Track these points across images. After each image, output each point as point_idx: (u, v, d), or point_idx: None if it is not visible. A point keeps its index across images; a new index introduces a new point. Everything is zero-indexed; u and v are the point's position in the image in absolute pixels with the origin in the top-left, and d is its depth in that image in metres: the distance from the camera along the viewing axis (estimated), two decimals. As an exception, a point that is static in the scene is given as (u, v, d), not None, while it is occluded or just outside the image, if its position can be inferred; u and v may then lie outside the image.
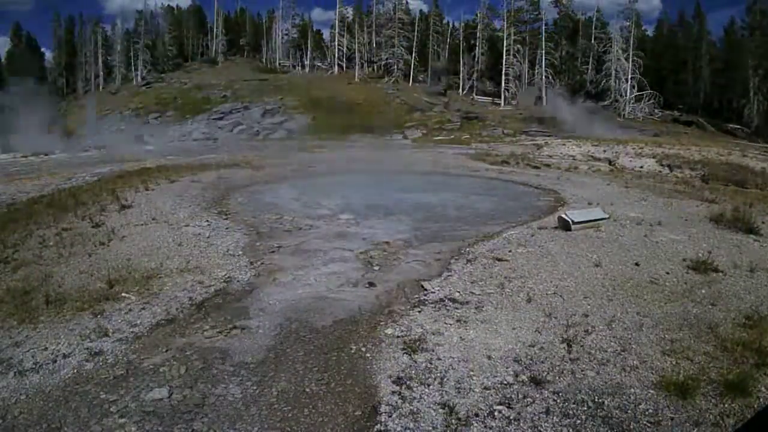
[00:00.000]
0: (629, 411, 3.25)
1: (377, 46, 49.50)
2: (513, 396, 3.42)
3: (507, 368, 3.75)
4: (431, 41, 48.60)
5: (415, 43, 47.31)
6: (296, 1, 53.54)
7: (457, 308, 4.81)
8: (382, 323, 4.51)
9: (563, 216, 7.75)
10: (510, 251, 6.53)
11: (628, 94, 38.80)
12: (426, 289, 5.31)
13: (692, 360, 3.83)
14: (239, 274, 5.87)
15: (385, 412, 3.25)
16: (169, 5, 56.54)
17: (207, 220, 8.32)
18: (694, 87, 42.37)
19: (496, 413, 3.24)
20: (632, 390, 3.46)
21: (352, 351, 4.06)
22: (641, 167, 17.38)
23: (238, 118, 35.43)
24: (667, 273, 5.75)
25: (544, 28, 44.16)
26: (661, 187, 12.87)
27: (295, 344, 4.17)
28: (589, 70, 43.73)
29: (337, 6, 50.23)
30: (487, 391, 3.47)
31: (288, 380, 3.65)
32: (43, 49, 55.52)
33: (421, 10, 51.69)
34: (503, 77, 41.75)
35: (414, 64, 46.38)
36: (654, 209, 9.26)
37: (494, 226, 7.98)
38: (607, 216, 8.01)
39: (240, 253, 6.66)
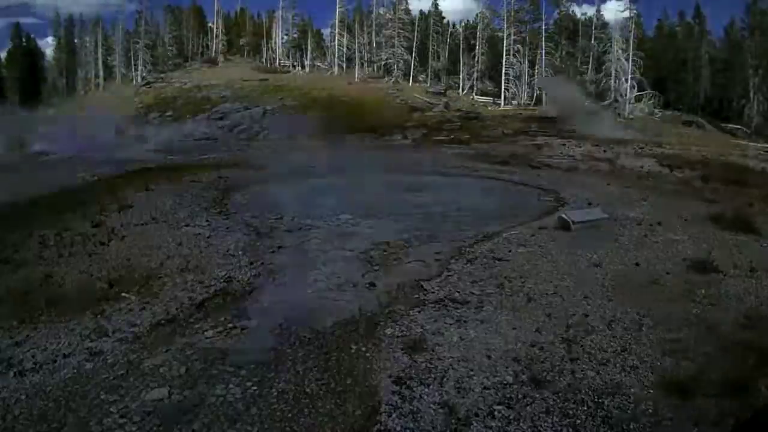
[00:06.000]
0: (629, 411, 3.25)
1: (377, 46, 49.37)
2: (513, 396, 3.42)
3: (507, 368, 3.76)
4: (431, 41, 48.54)
5: (415, 43, 47.21)
6: (296, 0, 53.16)
7: (456, 308, 4.82)
8: (382, 323, 4.52)
9: (563, 216, 7.76)
10: (510, 251, 6.53)
11: (628, 94, 38.74)
12: (426, 289, 5.31)
13: (692, 360, 3.83)
14: (239, 274, 5.87)
15: (385, 412, 3.26)
16: (168, 5, 56.42)
17: (207, 220, 8.31)
18: (694, 87, 42.31)
19: (495, 413, 3.24)
20: (632, 390, 3.47)
21: (352, 351, 4.06)
22: (641, 167, 17.31)
23: (238, 118, 35.37)
24: (668, 273, 5.75)
25: (544, 28, 44.13)
26: (662, 187, 12.84)
27: (295, 344, 4.18)
28: (589, 70, 43.66)
29: (337, 6, 50.16)
30: (487, 391, 3.48)
31: (288, 380, 3.65)
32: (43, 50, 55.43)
33: (421, 10, 51.54)
34: (503, 77, 41.69)
35: (414, 64, 46.31)
36: (654, 209, 9.24)
37: (494, 226, 7.97)
38: (607, 216, 8.01)
39: (240, 253, 6.65)
